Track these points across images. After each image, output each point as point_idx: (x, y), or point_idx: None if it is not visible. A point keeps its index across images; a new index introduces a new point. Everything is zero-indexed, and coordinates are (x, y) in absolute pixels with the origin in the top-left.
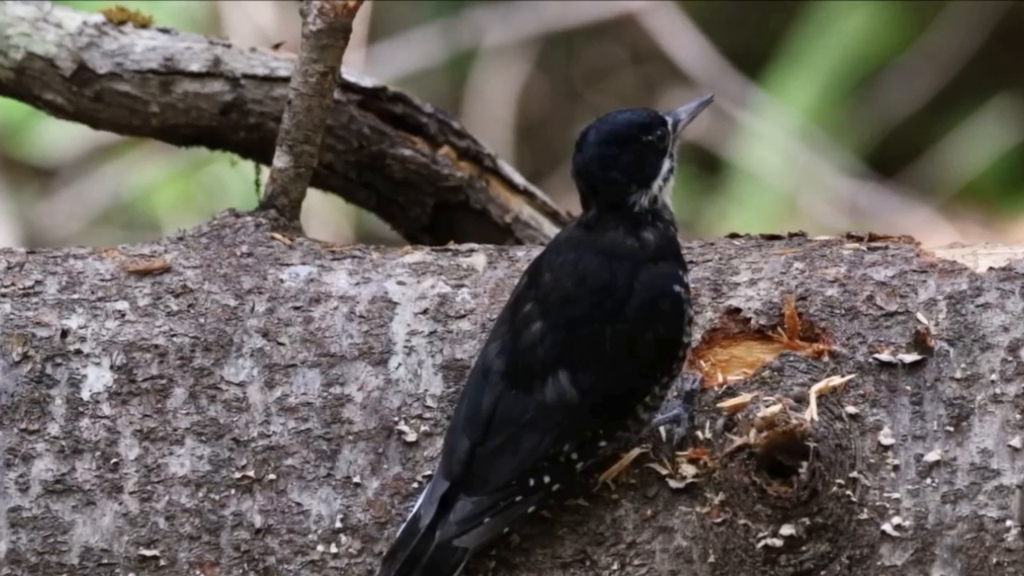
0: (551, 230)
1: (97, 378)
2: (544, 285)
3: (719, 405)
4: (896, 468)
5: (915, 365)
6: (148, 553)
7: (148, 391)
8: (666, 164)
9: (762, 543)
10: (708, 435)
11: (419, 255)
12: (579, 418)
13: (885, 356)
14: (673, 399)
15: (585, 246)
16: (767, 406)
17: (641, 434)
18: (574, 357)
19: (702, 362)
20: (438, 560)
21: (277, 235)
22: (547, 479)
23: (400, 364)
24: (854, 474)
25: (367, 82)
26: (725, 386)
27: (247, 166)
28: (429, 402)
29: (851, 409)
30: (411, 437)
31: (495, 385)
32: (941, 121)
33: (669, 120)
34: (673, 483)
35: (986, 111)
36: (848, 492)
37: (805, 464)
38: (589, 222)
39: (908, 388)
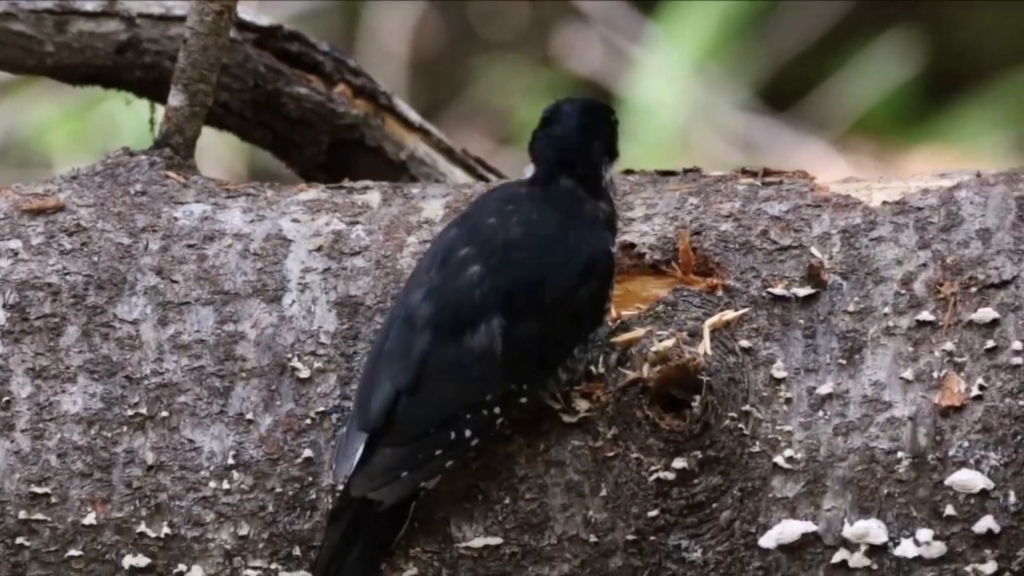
0: (446, 167)
1: None
2: (486, 229)
3: (613, 339)
4: (788, 401)
5: (808, 299)
6: (39, 491)
7: (41, 329)
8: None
9: (654, 476)
10: (601, 369)
11: (314, 193)
12: (506, 369)
13: (779, 290)
14: None
15: (542, 201)
16: (661, 340)
17: (555, 394)
18: (513, 303)
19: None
20: (379, 521)
21: (171, 173)
22: (468, 433)
23: (294, 301)
24: (747, 407)
25: (263, 21)
26: (619, 321)
27: (141, 105)
28: (323, 339)
29: (744, 343)
30: (304, 374)
31: (423, 331)
32: (834, 55)
33: None
34: (566, 417)
35: (879, 45)
36: (740, 425)
37: (698, 398)
38: (545, 181)
39: (801, 322)
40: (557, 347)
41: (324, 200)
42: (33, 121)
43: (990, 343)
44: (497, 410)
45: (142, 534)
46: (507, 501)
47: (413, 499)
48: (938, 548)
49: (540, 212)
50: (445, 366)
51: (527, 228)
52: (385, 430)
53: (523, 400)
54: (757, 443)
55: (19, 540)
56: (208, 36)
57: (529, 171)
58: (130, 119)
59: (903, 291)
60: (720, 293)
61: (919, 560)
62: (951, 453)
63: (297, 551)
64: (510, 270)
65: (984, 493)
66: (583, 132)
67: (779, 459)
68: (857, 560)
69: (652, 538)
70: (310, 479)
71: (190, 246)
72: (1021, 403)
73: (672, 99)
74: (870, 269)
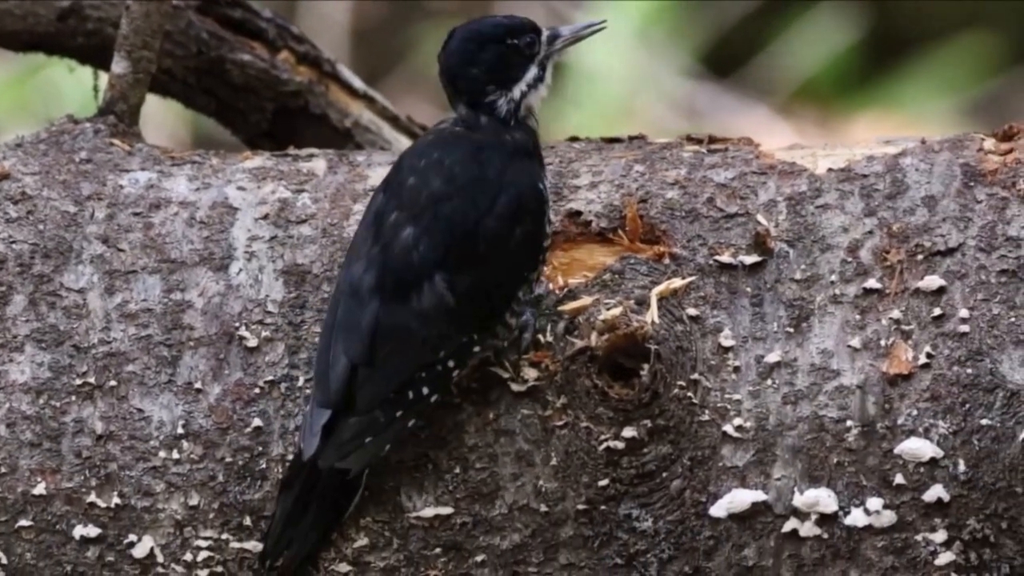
0: (391, 134)
1: None
2: (409, 190)
3: (560, 308)
4: (737, 369)
5: (755, 267)
6: None
7: None
8: (532, 71)
9: (604, 445)
10: (550, 338)
11: (259, 160)
12: (456, 322)
13: (725, 258)
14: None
15: (451, 143)
16: (608, 309)
17: (507, 341)
18: (450, 257)
19: (543, 265)
20: (331, 490)
21: (116, 141)
22: (425, 390)
23: (241, 269)
24: (695, 376)
25: None
26: (566, 289)
27: (84, 72)
28: (270, 307)
29: (692, 311)
30: (252, 342)
31: (369, 302)
32: (777, 20)
33: (545, 32)
34: (515, 386)
35: (821, 9)
36: (689, 394)
37: (646, 366)
38: (455, 122)
39: (748, 290)
40: (501, 291)
41: (269, 168)
42: None
43: (937, 311)
44: (452, 363)
45: (92, 504)
46: (457, 471)
47: (366, 467)
48: (888, 517)
49: (451, 157)
50: (396, 332)
51: (445, 177)
52: (346, 403)
53: (476, 349)
54: (706, 412)
55: None
56: (151, 2)
57: None
58: (73, 86)
59: (850, 259)
60: (667, 261)
61: (869, 529)
62: (900, 421)
63: (248, 521)
64: (441, 225)
65: (933, 462)
66: (459, 59)
67: (728, 428)
68: (808, 529)
69: (603, 507)
70: (260, 449)
71: (136, 214)
72: (968, 371)
73: (615, 65)
74: (816, 237)
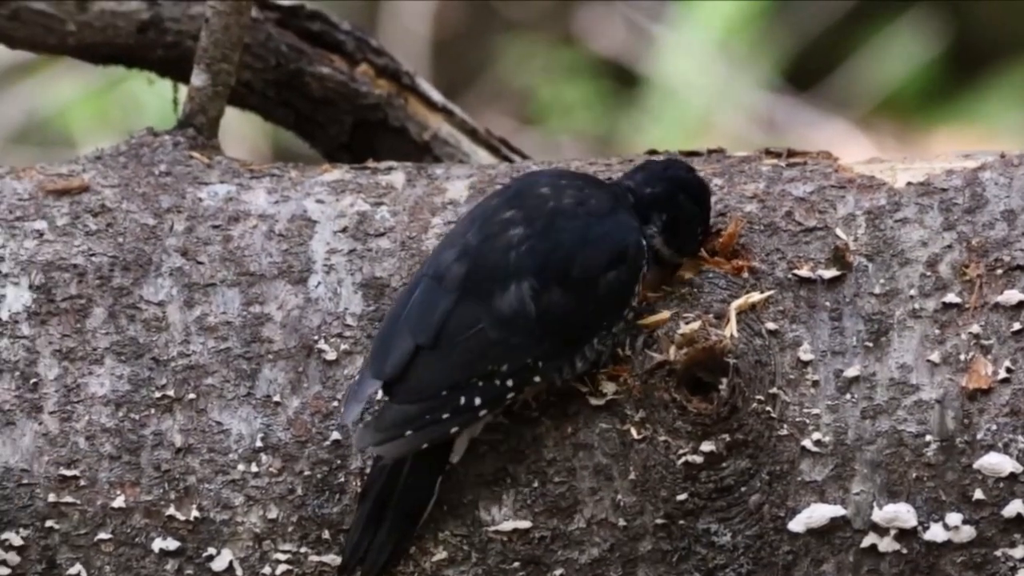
0: (469, 147)
1: (16, 298)
2: (536, 197)
3: (639, 322)
4: (816, 384)
5: (834, 281)
6: (68, 473)
7: (67, 311)
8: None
9: (682, 460)
10: (628, 352)
11: (338, 173)
12: (525, 336)
13: (804, 272)
14: None
15: (597, 183)
16: (687, 323)
17: (567, 382)
18: (546, 269)
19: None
20: (407, 498)
21: (195, 154)
22: (477, 401)
23: (320, 282)
24: (774, 390)
25: (284, 0)
26: (644, 303)
27: (164, 84)
28: (349, 320)
29: (771, 325)
30: (331, 356)
31: (451, 291)
32: (858, 34)
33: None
34: (593, 400)
35: (902, 24)
36: (768, 408)
37: (725, 381)
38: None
39: (827, 304)
40: (578, 328)
41: (348, 181)
42: (55, 101)
43: (1016, 325)
44: (510, 383)
45: (171, 517)
46: (536, 484)
47: (439, 476)
48: (967, 532)
49: (593, 193)
50: (468, 326)
51: (578, 200)
52: (398, 384)
53: (536, 379)
54: (785, 426)
55: (48, 523)
56: (230, 15)
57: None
58: (153, 99)
59: (929, 273)
60: (746, 275)
61: (949, 545)
62: (979, 436)
63: (326, 534)
64: (552, 235)
65: (1013, 477)
66: (702, 215)
67: (807, 442)
68: (887, 544)
69: (681, 522)
70: (338, 462)
71: (215, 227)
72: None
73: (695, 78)
74: (895, 251)
